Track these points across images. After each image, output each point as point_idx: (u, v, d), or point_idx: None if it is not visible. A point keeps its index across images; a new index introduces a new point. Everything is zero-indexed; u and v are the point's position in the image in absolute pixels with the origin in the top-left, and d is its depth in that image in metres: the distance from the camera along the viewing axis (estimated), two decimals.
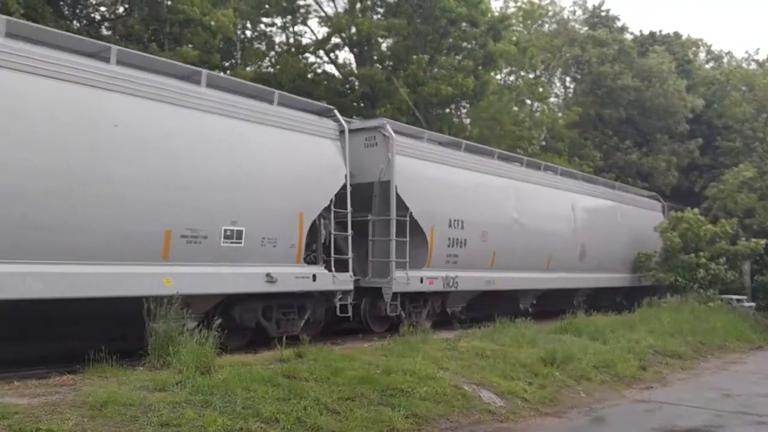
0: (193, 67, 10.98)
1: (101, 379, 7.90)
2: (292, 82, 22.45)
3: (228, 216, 10.31)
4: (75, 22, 17.44)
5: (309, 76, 25.06)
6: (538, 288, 18.50)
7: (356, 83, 26.06)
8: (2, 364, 8.83)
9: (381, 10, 26.26)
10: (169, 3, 17.46)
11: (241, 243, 10.49)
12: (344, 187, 12.44)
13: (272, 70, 24.98)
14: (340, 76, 26.96)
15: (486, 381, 9.72)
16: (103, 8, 19.63)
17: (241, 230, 10.48)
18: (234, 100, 10.88)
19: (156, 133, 9.67)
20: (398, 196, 13.53)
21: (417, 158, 14.43)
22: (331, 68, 27.57)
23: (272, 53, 26.95)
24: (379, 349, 10.87)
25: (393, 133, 13.76)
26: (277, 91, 11.79)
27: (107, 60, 9.43)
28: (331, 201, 12.16)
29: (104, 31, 18.37)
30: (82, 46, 9.63)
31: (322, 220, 12.09)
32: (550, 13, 40.00)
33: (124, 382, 7.52)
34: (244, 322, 11.06)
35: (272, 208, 11.04)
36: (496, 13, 28.04)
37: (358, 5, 25.64)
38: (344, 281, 12.28)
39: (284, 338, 9.91)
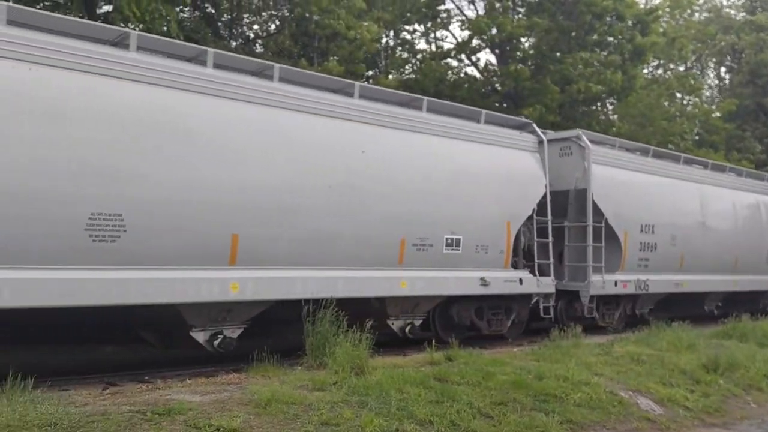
0: (414, 95, 12.28)
1: (264, 378, 8.33)
2: (435, 86, 22.63)
3: (448, 226, 11.53)
4: (232, 41, 18.59)
5: (451, 79, 25.16)
6: (724, 290, 18.54)
7: (497, 84, 25.84)
8: (178, 363, 9.56)
9: (522, 9, 25.90)
10: (316, 18, 18.15)
11: (459, 250, 11.67)
12: (545, 196, 13.21)
13: (415, 76, 25.32)
14: (482, 78, 26.85)
15: (643, 387, 9.32)
16: (256, 26, 20.79)
17: (459, 238, 11.67)
18: (449, 122, 12.08)
19: (397, 157, 11.08)
20: (594, 203, 14.19)
21: (610, 166, 15.02)
22: (472, 70, 27.56)
23: (414, 59, 27.32)
24: (529, 353, 10.72)
25: (589, 143, 14.42)
26: (483, 111, 12.80)
27: (351, 94, 10.76)
28: (533, 210, 13.07)
29: (258, 49, 19.47)
30: (330, 84, 10.95)
31: (524, 228, 13.02)
32: (701, 1, 37.68)
33: (285, 381, 7.89)
34: (460, 320, 12.32)
35: (484, 218, 12.17)
36: (642, 6, 26.82)
37: (498, 5, 25.43)
38: (547, 284, 13.21)
39: (433, 341, 10.02)
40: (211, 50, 9.32)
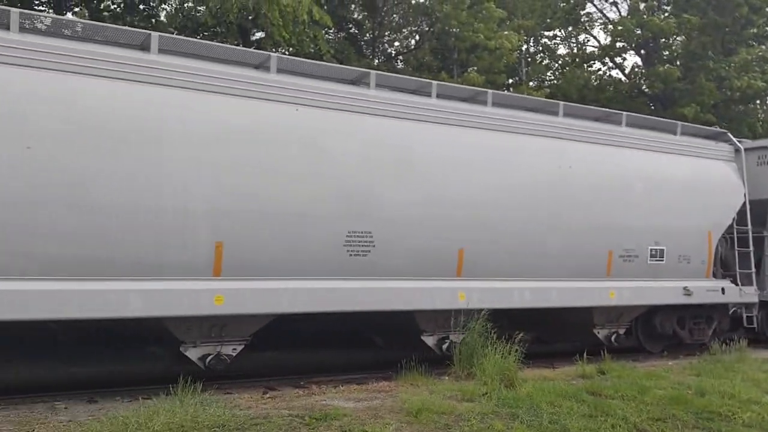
0: (613, 111, 12.65)
1: (413, 387, 8.46)
2: (578, 92, 22.07)
3: (652, 237, 11.88)
4: (375, 59, 19.11)
5: (594, 83, 24.43)
6: None
7: (644, 86, 24.78)
8: (329, 369, 9.92)
9: (667, 8, 24.72)
10: (455, 31, 18.29)
11: (662, 260, 12.01)
12: (744, 205, 13.18)
13: (557, 82, 24.83)
14: (627, 81, 25.86)
15: None
16: (396, 43, 21.26)
17: (663, 249, 12.01)
18: (648, 135, 12.32)
19: (601, 171, 11.42)
20: None
21: None
22: (616, 73, 26.61)
23: (555, 66, 26.79)
24: (686, 367, 10.18)
25: None
26: (679, 123, 12.95)
27: (555, 113, 11.22)
28: (733, 219, 13.11)
29: (399, 65, 19.89)
30: (535, 105, 11.46)
31: (721, 237, 13.08)
32: None
33: (434, 391, 7.98)
34: (663, 329, 12.54)
35: (686, 228, 12.39)
36: None
37: (642, 5, 24.42)
38: (749, 294, 13.16)
39: (584, 353, 9.75)
40: (434, 82, 10.28)
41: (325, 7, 14.15)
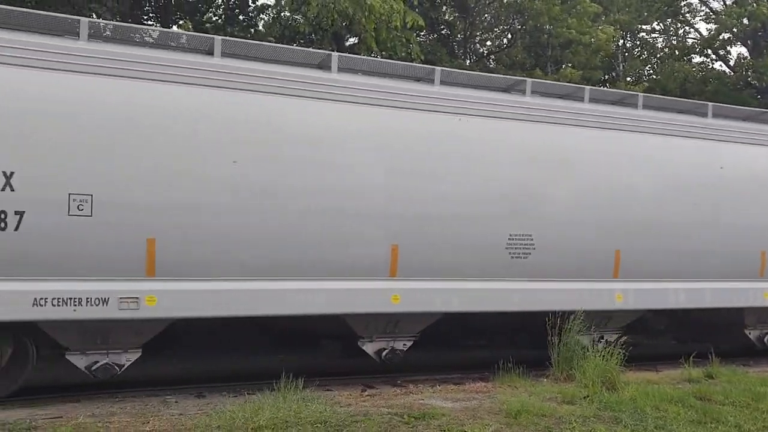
0: (763, 110, 12.43)
1: (511, 388, 8.40)
2: (680, 86, 21.23)
3: None
4: (466, 59, 19.08)
5: (697, 76, 23.42)
6: None
7: (752, 79, 23.54)
8: (426, 369, 9.96)
9: None
10: (548, 27, 18.01)
11: None
12: None
13: (655, 76, 23.97)
14: (732, 73, 24.63)
15: None
16: (488, 42, 21.12)
17: None
18: None
19: (752, 172, 11.39)
20: None
21: None
22: (720, 65, 25.40)
23: (654, 60, 25.88)
24: None
25: None
26: None
27: (704, 114, 11.24)
28: None
29: (491, 64, 19.75)
30: (683, 106, 11.49)
31: None
32: None
33: (533, 393, 7.89)
34: None
35: None
36: None
37: None
38: None
39: (691, 357, 9.39)
40: (587, 88, 10.68)
41: (417, 10, 14.23)
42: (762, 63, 22.39)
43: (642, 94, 11.07)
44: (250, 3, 17.13)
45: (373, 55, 14.38)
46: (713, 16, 25.12)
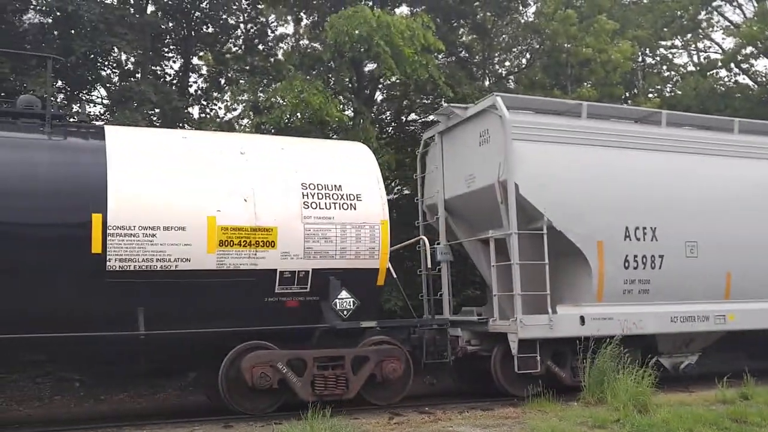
0: None
1: (540, 413, 8.29)
2: (702, 102, 21.01)
3: None
4: (485, 81, 19.08)
5: (719, 91, 23.15)
6: None
7: None
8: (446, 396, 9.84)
9: None
10: (567, 46, 17.99)
11: None
12: None
13: (677, 92, 23.75)
14: (757, 87, 24.32)
15: None
16: (507, 63, 21.10)
17: None
18: None
19: None
20: None
21: None
22: (743, 79, 25.08)
23: (674, 75, 25.66)
24: None
25: None
26: None
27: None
28: None
29: (510, 84, 19.71)
30: None
31: None
32: None
33: (563, 417, 7.78)
34: None
35: None
36: None
37: None
38: None
39: (725, 378, 9.18)
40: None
41: (435, 33, 14.27)
42: None
43: None
44: (269, 33, 17.33)
45: (394, 78, 14.45)
46: (733, 29, 24.87)
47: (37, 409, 10.67)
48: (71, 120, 9.54)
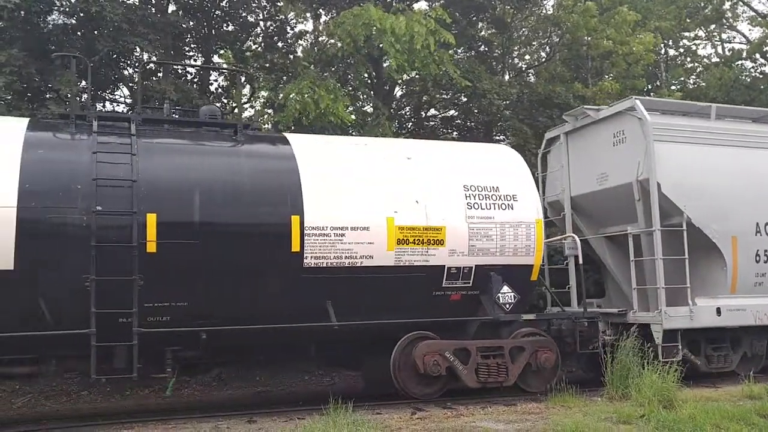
0: None
1: (564, 409, 8.24)
2: (727, 93, 20.75)
3: None
4: (505, 75, 18.98)
5: (744, 83, 22.86)
6: None
7: None
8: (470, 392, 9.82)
9: None
10: (587, 39, 17.85)
11: None
12: None
13: (700, 84, 23.49)
14: None
15: None
16: (527, 57, 20.99)
17: None
18: None
19: None
20: None
21: None
22: None
23: (698, 66, 25.36)
24: None
25: None
26: None
27: None
28: None
29: (530, 78, 19.62)
30: None
31: None
32: None
33: (587, 413, 7.72)
34: None
35: None
36: None
37: None
38: None
39: (751, 373, 9.07)
40: None
41: (453, 29, 14.21)
42: None
43: None
44: (288, 30, 17.36)
45: (405, 76, 14.39)
46: (759, 19, 24.55)
47: (65, 404, 10.83)
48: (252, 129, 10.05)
